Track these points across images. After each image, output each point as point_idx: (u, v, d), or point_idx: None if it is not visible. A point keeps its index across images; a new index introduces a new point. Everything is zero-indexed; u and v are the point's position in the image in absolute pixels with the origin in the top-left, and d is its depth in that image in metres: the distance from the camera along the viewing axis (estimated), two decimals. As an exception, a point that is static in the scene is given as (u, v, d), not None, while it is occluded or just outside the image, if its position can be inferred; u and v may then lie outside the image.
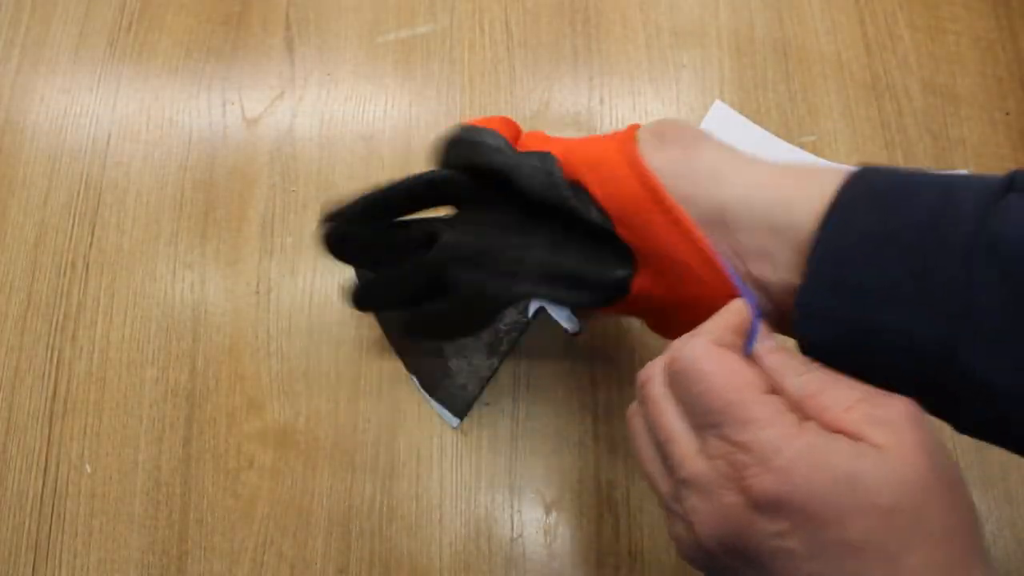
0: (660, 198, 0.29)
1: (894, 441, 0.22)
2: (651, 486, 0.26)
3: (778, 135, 0.50)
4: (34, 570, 0.42)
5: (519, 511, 0.43)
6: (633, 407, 0.28)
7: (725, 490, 0.22)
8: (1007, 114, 0.51)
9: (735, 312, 0.26)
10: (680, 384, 0.25)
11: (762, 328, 0.27)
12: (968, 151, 0.50)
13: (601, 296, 0.32)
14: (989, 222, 0.23)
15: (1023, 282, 0.23)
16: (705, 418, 0.24)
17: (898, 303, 0.25)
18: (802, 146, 0.50)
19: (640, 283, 0.31)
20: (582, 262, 0.32)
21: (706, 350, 0.24)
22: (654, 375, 0.26)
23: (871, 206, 0.26)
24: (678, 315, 0.31)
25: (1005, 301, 0.23)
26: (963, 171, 0.49)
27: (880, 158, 0.50)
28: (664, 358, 0.26)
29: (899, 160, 0.50)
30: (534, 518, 0.42)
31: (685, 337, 0.26)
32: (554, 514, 0.42)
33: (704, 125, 0.51)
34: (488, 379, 0.44)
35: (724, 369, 0.24)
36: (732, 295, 0.28)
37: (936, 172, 0.26)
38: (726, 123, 0.51)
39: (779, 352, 0.26)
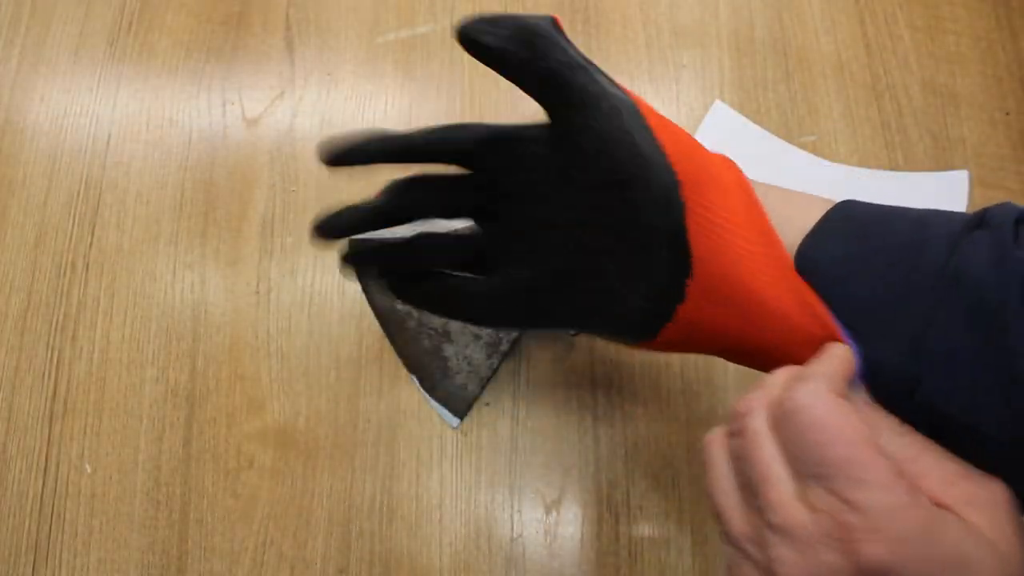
0: (757, 212, 0.27)
1: (995, 528, 0.22)
2: (719, 520, 0.25)
3: (778, 135, 0.50)
4: (34, 570, 0.42)
5: (519, 511, 0.43)
6: (716, 434, 0.26)
7: (825, 547, 0.21)
8: (1007, 114, 0.51)
9: (844, 360, 0.25)
10: (790, 427, 0.23)
11: (858, 381, 0.26)
12: (968, 151, 0.50)
13: (638, 319, 0.29)
14: (954, 257, 0.24)
15: (984, 317, 0.23)
16: (815, 468, 0.22)
17: (864, 329, 0.25)
18: (802, 146, 0.50)
19: (687, 311, 0.28)
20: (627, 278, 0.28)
21: (826, 398, 0.23)
22: (755, 408, 0.24)
23: (846, 235, 0.26)
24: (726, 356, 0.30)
25: (966, 336, 0.23)
26: (964, 171, 0.49)
27: (880, 158, 0.50)
28: (768, 393, 0.25)
29: (899, 160, 0.50)
30: (534, 518, 0.42)
31: (793, 377, 0.25)
32: (554, 514, 0.42)
33: (704, 125, 0.51)
34: (488, 379, 0.44)
35: (843, 421, 0.22)
36: (799, 341, 0.26)
37: (915, 208, 0.27)
38: (726, 123, 0.51)
39: (875, 408, 0.25)
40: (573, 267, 0.29)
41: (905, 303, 0.24)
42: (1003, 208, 0.25)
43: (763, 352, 0.27)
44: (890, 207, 0.27)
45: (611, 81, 0.28)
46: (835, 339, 0.26)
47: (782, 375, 0.25)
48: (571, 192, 0.28)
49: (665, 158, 0.26)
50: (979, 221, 0.25)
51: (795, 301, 0.26)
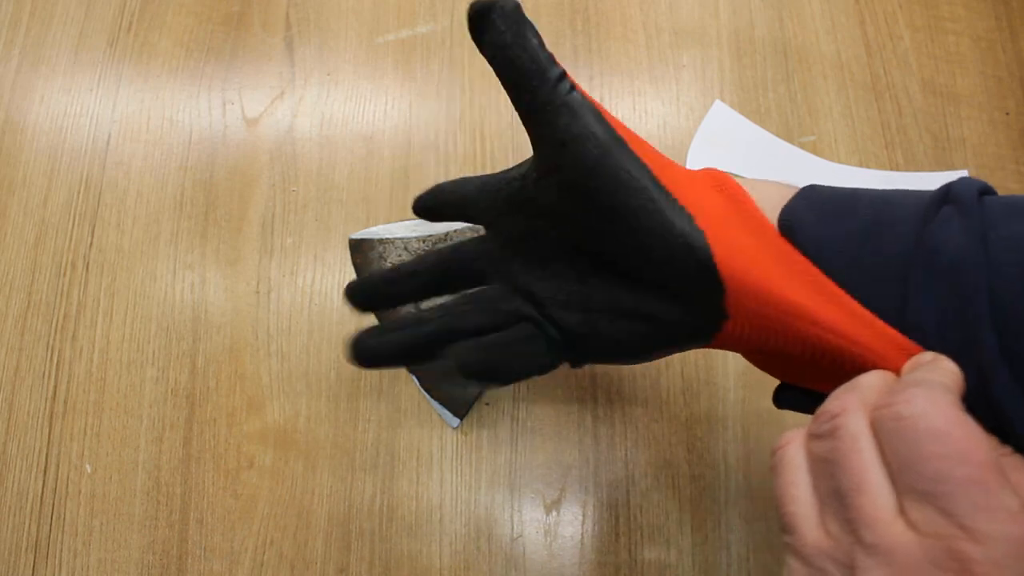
0: (772, 239, 0.26)
1: None
2: (788, 531, 0.22)
3: (778, 135, 0.50)
4: (34, 570, 0.42)
5: (519, 511, 0.43)
6: (793, 435, 0.24)
7: None
8: (1007, 114, 0.51)
9: (954, 372, 0.22)
10: (900, 435, 0.20)
11: None
12: (968, 151, 0.50)
13: (689, 339, 0.29)
14: (928, 229, 0.24)
15: (963, 296, 0.23)
16: (927, 484, 0.20)
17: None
18: (802, 146, 0.50)
19: (734, 325, 0.27)
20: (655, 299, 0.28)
21: (948, 408, 0.20)
22: (851, 408, 0.22)
23: (819, 219, 0.26)
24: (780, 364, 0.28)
25: (940, 311, 0.23)
26: (964, 171, 0.49)
27: (880, 158, 0.50)
28: (863, 396, 0.22)
29: (899, 160, 0.50)
30: (534, 518, 0.42)
31: (897, 381, 0.23)
32: (554, 514, 0.42)
33: (704, 125, 0.51)
34: (488, 379, 0.44)
35: (969, 438, 0.20)
36: (867, 348, 0.24)
37: (875, 190, 0.27)
38: (726, 123, 0.51)
39: (972, 422, 0.23)
40: (617, 313, 0.29)
41: (884, 279, 0.24)
42: (966, 183, 0.24)
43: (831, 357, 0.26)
44: (852, 189, 0.27)
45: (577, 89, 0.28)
46: (911, 349, 0.24)
47: (879, 378, 0.23)
48: (591, 240, 0.28)
49: (668, 192, 0.26)
50: (944, 197, 0.24)
51: (827, 300, 0.25)
